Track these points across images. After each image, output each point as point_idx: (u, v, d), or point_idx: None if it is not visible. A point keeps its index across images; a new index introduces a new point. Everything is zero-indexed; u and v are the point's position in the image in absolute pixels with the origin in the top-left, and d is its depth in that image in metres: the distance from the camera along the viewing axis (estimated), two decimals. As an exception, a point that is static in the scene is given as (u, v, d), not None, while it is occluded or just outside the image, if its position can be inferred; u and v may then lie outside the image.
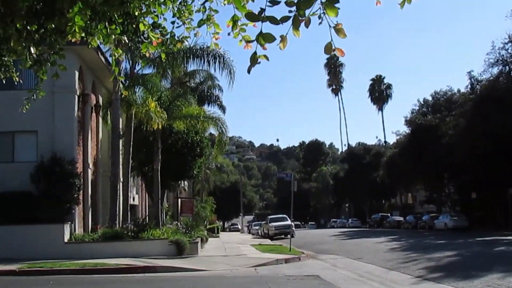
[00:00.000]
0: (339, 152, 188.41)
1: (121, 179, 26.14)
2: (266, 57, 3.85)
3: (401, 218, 65.95)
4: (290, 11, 3.63)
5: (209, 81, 46.29)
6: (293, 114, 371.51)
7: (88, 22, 4.48)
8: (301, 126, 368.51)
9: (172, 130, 28.84)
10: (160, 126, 24.22)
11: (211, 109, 41.48)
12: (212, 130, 30.23)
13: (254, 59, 3.83)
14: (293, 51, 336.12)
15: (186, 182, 53.52)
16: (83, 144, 25.61)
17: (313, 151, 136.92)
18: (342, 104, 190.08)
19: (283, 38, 3.73)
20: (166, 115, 24.60)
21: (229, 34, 4.27)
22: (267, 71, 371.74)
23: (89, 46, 4.87)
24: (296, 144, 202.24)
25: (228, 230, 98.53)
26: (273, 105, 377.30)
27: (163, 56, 5.67)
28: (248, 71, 3.90)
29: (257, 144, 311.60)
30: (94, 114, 28.13)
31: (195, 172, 32.64)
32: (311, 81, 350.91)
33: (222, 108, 48.14)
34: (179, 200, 40.06)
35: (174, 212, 42.35)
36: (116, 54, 5.14)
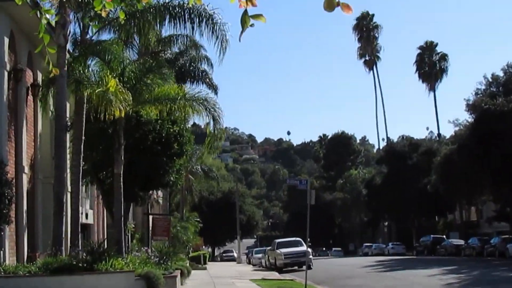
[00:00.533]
0: (374, 150, 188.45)
1: (69, 188, 26.14)
2: (262, 17, 3.81)
3: (461, 242, 65.98)
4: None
5: (192, 51, 46.37)
6: (309, 97, 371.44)
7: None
8: (321, 113, 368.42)
9: (140, 119, 28.82)
10: (122, 114, 24.19)
11: (196, 89, 41.46)
12: (197, 119, 30.06)
13: (245, 21, 3.80)
14: (306, 10, 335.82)
15: (160, 193, 53.56)
16: (15, 139, 25.61)
17: (339, 148, 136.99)
18: (378, 82, 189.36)
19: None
20: (131, 98, 24.59)
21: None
22: (272, 42, 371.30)
23: (19, 3, 4.87)
24: (315, 139, 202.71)
25: (219, 259, 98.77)
26: (281, 86, 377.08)
27: (121, 16, 5.70)
28: (239, 38, 3.89)
29: (259, 139, 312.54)
30: (30, 97, 28.14)
31: (172, 178, 32.59)
32: (335, 50, 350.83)
33: (213, 87, 48.26)
34: (150, 217, 40.12)
35: (143, 234, 42.42)
36: (47, 15, 5.15)
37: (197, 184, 79.61)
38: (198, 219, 60.64)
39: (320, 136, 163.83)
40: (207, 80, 47.43)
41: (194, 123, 41.61)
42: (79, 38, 26.20)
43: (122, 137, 26.74)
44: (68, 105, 26.11)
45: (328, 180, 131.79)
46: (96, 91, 23.65)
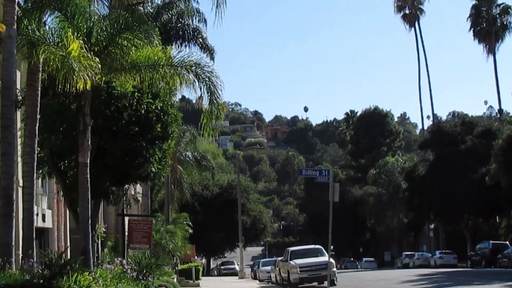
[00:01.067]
0: (417, 131, 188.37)
1: (20, 183, 26.13)
2: None
3: (530, 250, 66.03)
4: None
5: (180, 3, 46.30)
6: (333, 64, 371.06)
7: None
8: (347, 84, 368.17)
9: (112, 92, 28.76)
10: (88, 85, 24.11)
11: (185, 52, 41.45)
12: (187, 91, 29.88)
13: None
14: None
15: (139, 187, 53.62)
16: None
17: (371, 129, 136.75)
18: (422, 43, 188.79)
19: None
20: (100, 65, 24.51)
21: None
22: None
23: None
24: (340, 117, 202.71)
25: (216, 272, 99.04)
26: (296, 51, 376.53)
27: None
28: None
29: (268, 118, 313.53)
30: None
31: (154, 168, 32.60)
32: (365, 2, 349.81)
33: (208, 50, 48.20)
34: (127, 219, 40.12)
35: (117, 241, 42.44)
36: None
37: (187, 176, 79.62)
38: (189, 222, 60.68)
39: (346, 113, 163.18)
40: (200, 40, 47.38)
41: (183, 97, 41.56)
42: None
43: (88, 116, 26.69)
44: (18, 74, 26.04)
45: (357, 170, 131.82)
46: (55, 55, 23.57)
